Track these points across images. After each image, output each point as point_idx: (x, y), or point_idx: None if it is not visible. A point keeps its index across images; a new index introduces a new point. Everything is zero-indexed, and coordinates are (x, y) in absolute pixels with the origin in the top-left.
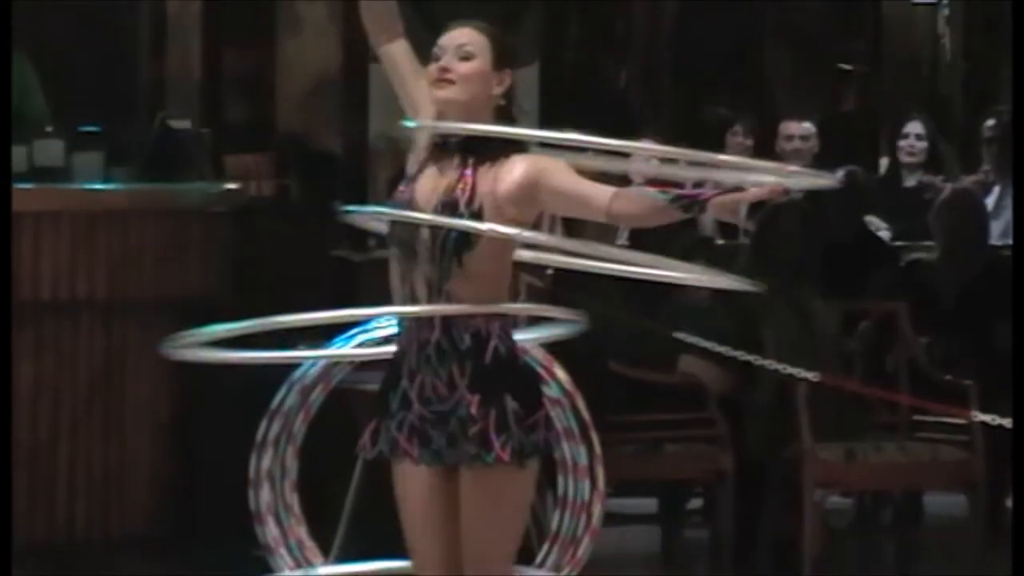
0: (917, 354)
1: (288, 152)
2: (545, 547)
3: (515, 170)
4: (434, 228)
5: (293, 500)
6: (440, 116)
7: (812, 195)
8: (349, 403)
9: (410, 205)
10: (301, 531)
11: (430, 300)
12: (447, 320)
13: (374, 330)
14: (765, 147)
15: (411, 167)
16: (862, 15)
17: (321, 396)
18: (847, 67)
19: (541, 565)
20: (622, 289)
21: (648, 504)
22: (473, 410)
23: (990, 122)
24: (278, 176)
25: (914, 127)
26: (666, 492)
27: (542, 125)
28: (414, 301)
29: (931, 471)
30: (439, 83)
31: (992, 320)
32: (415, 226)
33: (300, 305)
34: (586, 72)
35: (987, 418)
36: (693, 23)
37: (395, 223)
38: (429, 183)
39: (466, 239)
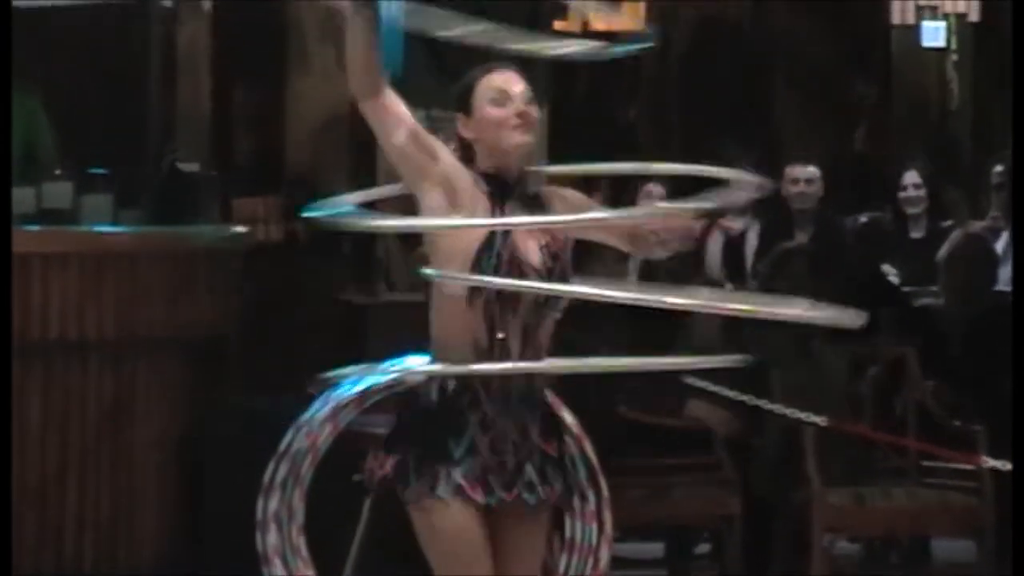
0: (926, 399)
1: (297, 195)
2: None
3: (572, 204)
4: (544, 272)
5: (300, 542)
6: (510, 159)
7: (828, 241)
8: (356, 446)
9: (515, 257)
10: (309, 573)
11: (524, 348)
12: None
13: (382, 374)
14: (771, 193)
15: (443, 201)
16: (872, 59)
17: (329, 439)
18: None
19: None
20: (629, 334)
21: (655, 549)
22: (550, 454)
23: (998, 167)
24: (287, 219)
25: (911, 177)
26: (673, 536)
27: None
28: (504, 350)
29: (940, 517)
30: (520, 128)
31: (1001, 366)
32: (522, 268)
33: (306, 347)
34: (595, 114)
35: (996, 464)
36: (701, 65)
37: (494, 264)
38: (515, 234)
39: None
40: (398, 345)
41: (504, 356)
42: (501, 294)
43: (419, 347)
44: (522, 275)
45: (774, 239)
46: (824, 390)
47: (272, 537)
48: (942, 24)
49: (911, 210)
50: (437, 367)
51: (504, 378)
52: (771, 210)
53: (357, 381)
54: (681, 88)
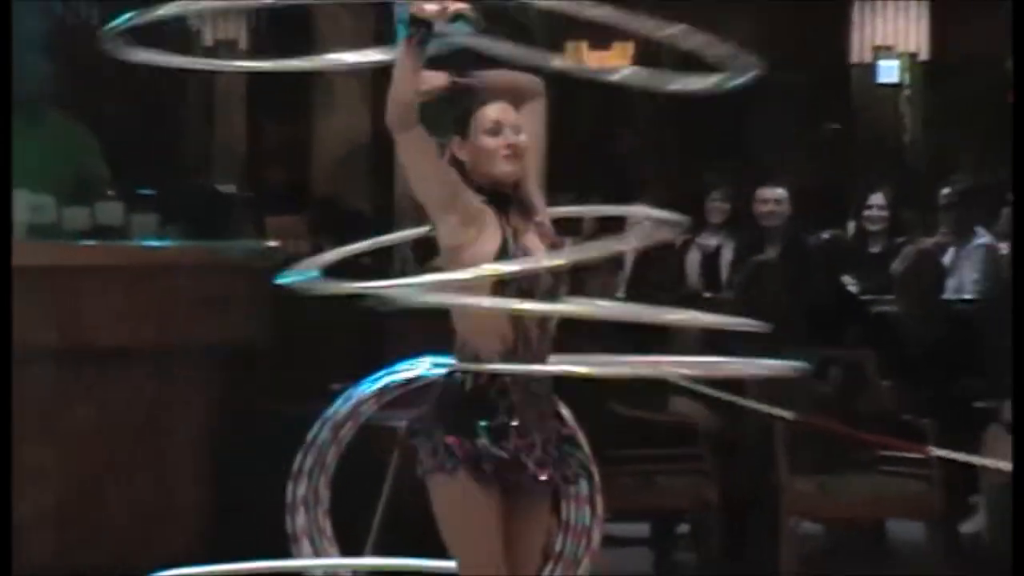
0: (882, 397)
1: (322, 213)
2: (550, 566)
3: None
4: (558, 277)
5: (326, 524)
6: (500, 184)
7: (795, 256)
8: (375, 439)
9: (527, 257)
10: (333, 552)
11: (540, 340)
12: (546, 360)
13: (399, 372)
14: (743, 211)
15: (460, 225)
16: (835, 96)
17: (351, 432)
18: (831, 127)
19: None
20: (619, 337)
21: (641, 529)
22: (567, 434)
23: (946, 190)
24: (313, 235)
25: (876, 199)
26: (657, 519)
27: (550, 191)
28: (527, 341)
29: (894, 501)
30: (509, 158)
31: (948, 366)
32: (536, 275)
33: (331, 350)
34: (588, 144)
35: (944, 454)
36: (683, 100)
37: (511, 277)
38: (522, 237)
39: (563, 283)
40: (413, 347)
41: (527, 348)
42: (522, 292)
43: (431, 348)
44: (535, 278)
45: (747, 253)
46: (792, 389)
47: (300, 519)
48: (895, 63)
49: (872, 228)
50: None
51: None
52: (744, 227)
53: (376, 379)
54: (666, 120)
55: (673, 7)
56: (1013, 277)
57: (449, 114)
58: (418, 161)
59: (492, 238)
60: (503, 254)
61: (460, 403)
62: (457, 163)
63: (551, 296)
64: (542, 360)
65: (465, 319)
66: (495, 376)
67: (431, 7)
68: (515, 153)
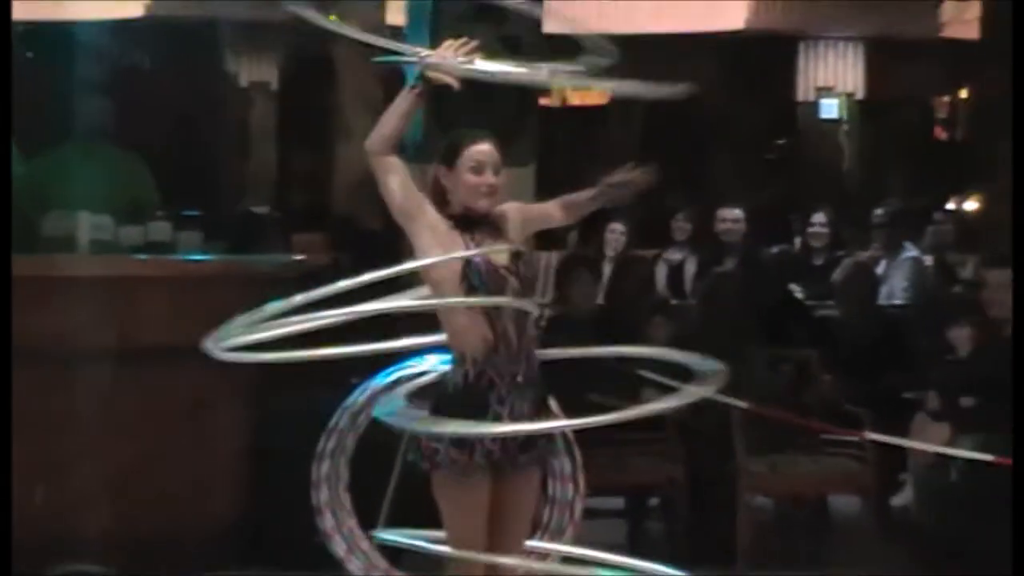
0: (824, 388)
1: (341, 231)
2: (538, 536)
3: (520, 214)
4: (519, 275)
5: (345, 499)
6: (475, 213)
7: (750, 267)
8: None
9: (489, 266)
10: (352, 522)
11: (519, 338)
12: (530, 356)
13: (409, 367)
14: (705, 229)
15: (431, 241)
16: (784, 129)
17: (367, 419)
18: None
19: (534, 550)
20: (599, 334)
21: (616, 503)
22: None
23: (879, 211)
24: (333, 250)
25: (819, 218)
26: (631, 494)
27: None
28: (506, 340)
29: (834, 478)
30: (486, 196)
31: (881, 362)
32: (505, 281)
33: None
34: (572, 170)
35: (877, 438)
36: (656, 133)
37: (479, 283)
38: (486, 249)
39: (531, 283)
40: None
41: (507, 345)
42: (492, 296)
43: (438, 346)
44: (501, 278)
45: (708, 266)
46: (748, 382)
47: (324, 494)
48: (836, 101)
49: (815, 243)
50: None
51: (512, 364)
52: (705, 243)
53: (389, 373)
54: (640, 149)
55: (646, 52)
56: (1014, 278)
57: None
58: (388, 181)
59: (487, 254)
60: (468, 266)
61: (454, 401)
62: (439, 187)
63: (524, 293)
64: (527, 355)
65: (449, 324)
66: (481, 374)
67: (445, 78)
68: (491, 191)
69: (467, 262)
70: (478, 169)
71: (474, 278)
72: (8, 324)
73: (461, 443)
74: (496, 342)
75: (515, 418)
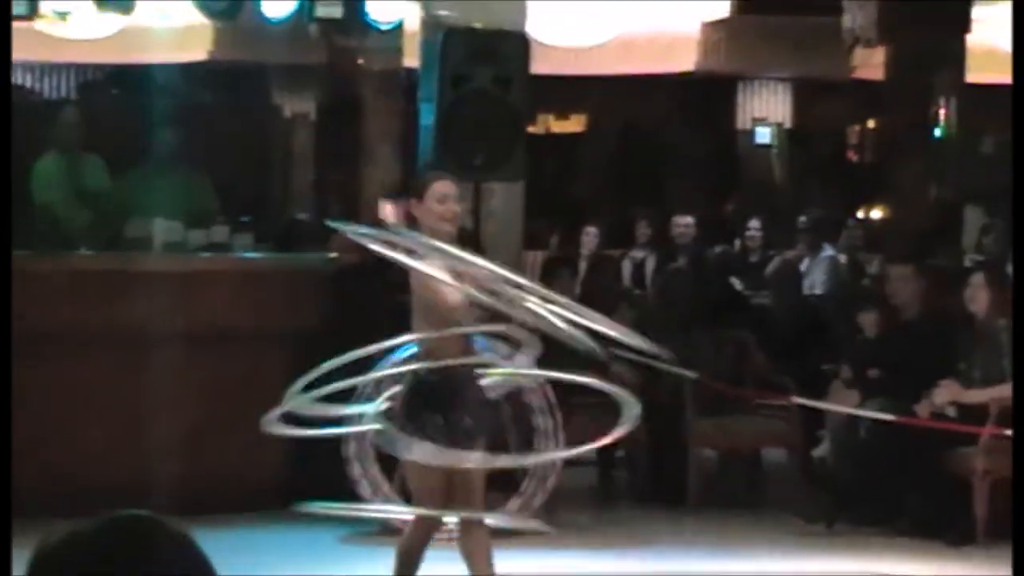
0: (758, 363)
1: None
2: (526, 481)
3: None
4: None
5: (370, 451)
6: (440, 236)
7: (697, 263)
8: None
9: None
10: (375, 470)
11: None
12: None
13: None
14: (663, 233)
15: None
16: (726, 152)
17: (386, 386)
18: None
19: (522, 493)
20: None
21: (590, 455)
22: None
23: (802, 218)
24: (360, 250)
25: (754, 223)
26: (602, 448)
27: (527, 222)
28: (471, 347)
29: (767, 435)
30: (448, 223)
31: (804, 340)
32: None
33: (374, 335)
34: (554, 186)
35: (801, 401)
36: (621, 154)
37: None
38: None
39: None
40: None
41: (471, 350)
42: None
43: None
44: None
45: (664, 262)
46: (697, 358)
47: (352, 448)
48: (768, 129)
49: (751, 244)
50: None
51: (471, 369)
52: (662, 245)
53: (405, 348)
54: (608, 168)
55: (616, 89)
56: (1014, 279)
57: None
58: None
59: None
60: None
61: (427, 392)
62: (411, 216)
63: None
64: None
65: (428, 330)
66: (449, 375)
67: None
68: (452, 218)
69: (453, 273)
70: (442, 200)
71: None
72: (8, 324)
73: (415, 427)
74: (467, 348)
75: (470, 407)
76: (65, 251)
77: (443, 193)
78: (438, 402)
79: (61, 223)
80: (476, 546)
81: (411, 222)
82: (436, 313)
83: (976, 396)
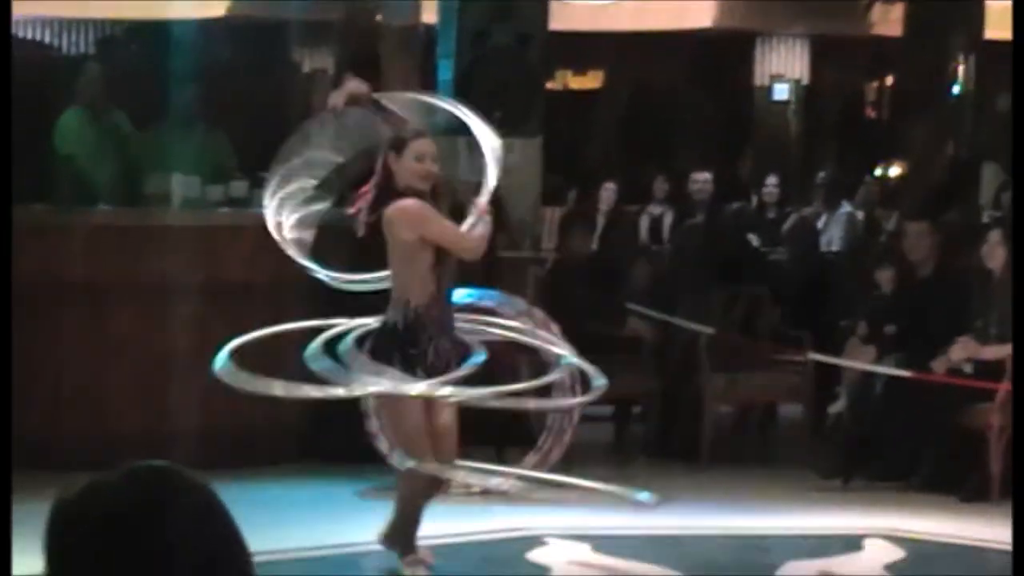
0: (774, 318)
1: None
2: (544, 436)
3: (442, 199)
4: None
5: None
6: (414, 192)
7: (714, 219)
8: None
9: None
10: None
11: (448, 293)
12: (450, 306)
13: None
14: (680, 189)
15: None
16: (744, 109)
17: None
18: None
19: (539, 449)
20: (594, 274)
21: (606, 410)
22: (463, 354)
23: (821, 176)
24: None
25: (771, 180)
26: (618, 403)
27: (545, 179)
28: (440, 293)
29: (782, 391)
30: (423, 180)
31: (820, 297)
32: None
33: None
34: (572, 143)
35: (817, 357)
36: (639, 112)
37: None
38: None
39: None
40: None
41: (441, 297)
42: (442, 262)
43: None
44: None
45: (681, 219)
46: (712, 313)
47: (371, 402)
48: (786, 86)
49: (768, 200)
50: None
51: (441, 312)
52: (680, 200)
53: None
54: (625, 125)
55: (631, 47)
56: (1013, 277)
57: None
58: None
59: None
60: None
61: (396, 338)
62: (388, 169)
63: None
64: (449, 306)
65: (401, 277)
66: (419, 317)
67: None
68: (428, 176)
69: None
70: (420, 158)
71: (441, 251)
72: (8, 323)
73: (405, 370)
74: (436, 294)
75: (439, 353)
76: (86, 206)
77: (421, 152)
78: (403, 340)
79: (83, 177)
80: (406, 508)
81: (387, 175)
82: (405, 253)
83: (992, 352)
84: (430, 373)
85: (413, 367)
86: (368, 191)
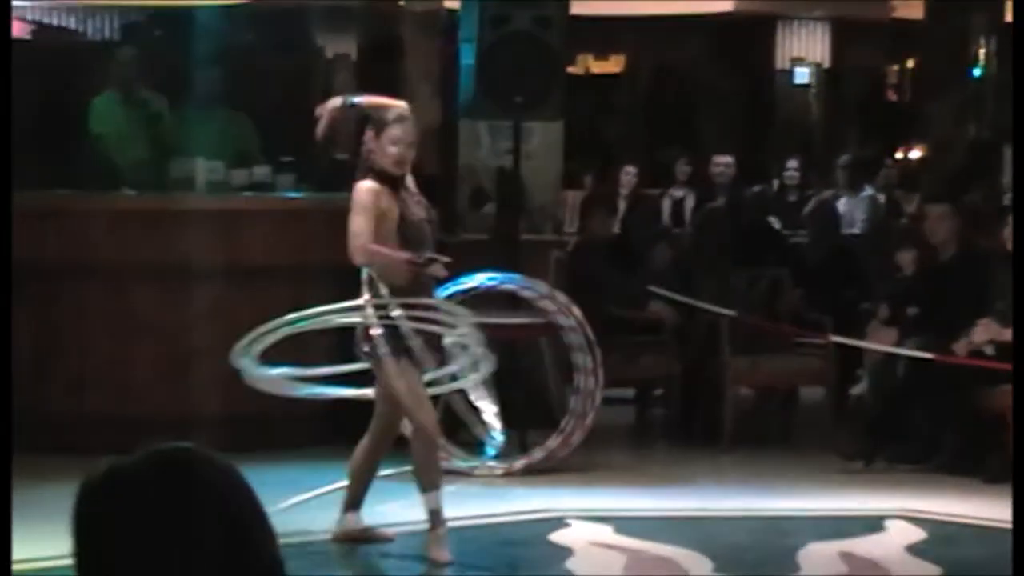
0: (795, 301)
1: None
2: (566, 418)
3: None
4: (428, 228)
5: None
6: (389, 174)
7: (734, 201)
8: None
9: (416, 217)
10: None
11: (425, 277)
12: (430, 284)
13: (462, 284)
14: (702, 172)
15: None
16: (765, 92)
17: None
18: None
19: (562, 431)
20: (615, 255)
21: (628, 392)
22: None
23: (843, 158)
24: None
25: (793, 163)
26: (639, 385)
27: (566, 162)
28: (420, 276)
29: (803, 372)
30: (399, 165)
31: (841, 279)
32: (422, 226)
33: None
34: (595, 126)
35: (838, 340)
36: (660, 95)
37: (411, 228)
38: (410, 206)
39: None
40: (468, 266)
41: (420, 277)
42: (415, 243)
43: (478, 267)
44: (422, 231)
45: (703, 201)
46: (734, 295)
47: None
48: (807, 69)
49: (790, 183)
50: None
51: (421, 290)
52: (702, 183)
53: (448, 287)
54: (647, 109)
55: (653, 31)
56: (1013, 275)
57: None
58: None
59: (394, 209)
60: (403, 219)
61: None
62: (367, 148)
63: (432, 241)
64: (429, 284)
65: (378, 266)
66: (396, 298)
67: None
68: (404, 160)
69: (401, 216)
70: (396, 142)
71: (406, 226)
72: (8, 322)
73: (397, 341)
74: (415, 276)
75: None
76: (112, 189)
77: (398, 136)
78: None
79: (113, 157)
80: (424, 455)
81: (367, 154)
82: (380, 238)
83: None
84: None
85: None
86: (328, 107)
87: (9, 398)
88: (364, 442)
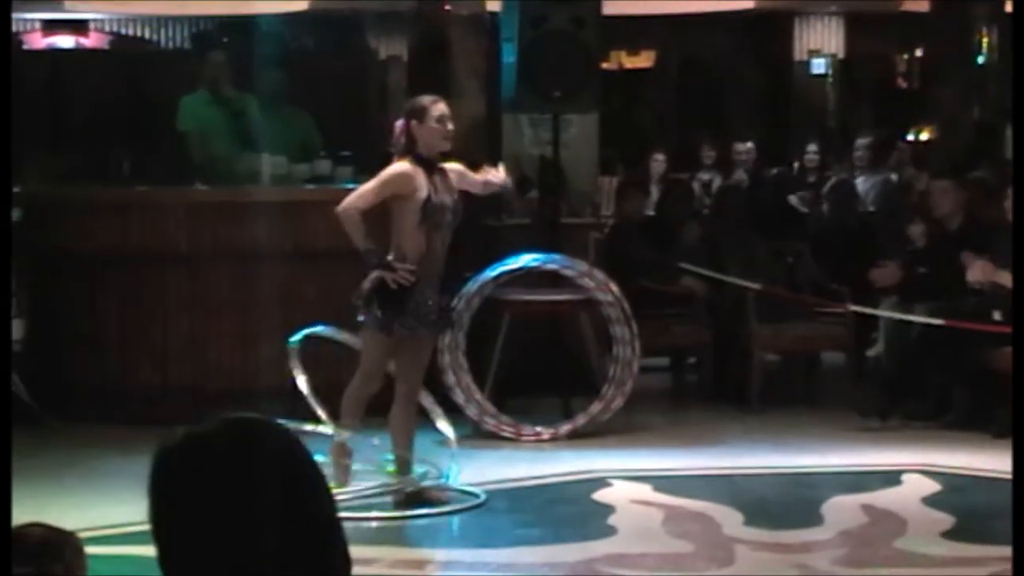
0: (816, 273)
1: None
2: (606, 386)
3: (454, 171)
4: (452, 211)
5: (463, 361)
6: (435, 152)
7: (756, 181)
8: (493, 307)
9: (441, 203)
10: (468, 379)
11: (440, 252)
12: (441, 263)
13: (508, 264)
14: (726, 157)
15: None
16: (785, 82)
17: (478, 302)
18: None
19: (603, 398)
20: (648, 235)
21: (663, 361)
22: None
23: (861, 141)
24: None
25: (812, 147)
26: (674, 354)
27: (602, 150)
28: (433, 251)
29: (824, 339)
30: (445, 140)
31: (859, 252)
32: (444, 210)
33: (462, 253)
34: (626, 117)
35: (856, 308)
36: (688, 87)
37: (433, 209)
38: (440, 190)
39: (456, 219)
40: (516, 248)
41: (433, 254)
42: (436, 223)
43: (528, 249)
44: (444, 214)
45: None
46: (758, 269)
47: (447, 359)
48: (823, 59)
49: (809, 166)
50: None
51: (432, 267)
52: (726, 166)
53: (493, 268)
54: (675, 100)
55: (680, 28)
56: (1013, 274)
57: None
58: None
59: (423, 190)
60: (429, 202)
61: (389, 289)
62: (411, 136)
63: (452, 224)
64: (440, 263)
65: (398, 235)
66: (412, 271)
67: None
68: (448, 137)
69: (428, 198)
70: (441, 120)
71: (430, 209)
72: (8, 322)
73: (392, 315)
74: (427, 252)
75: (427, 299)
76: (188, 184)
77: (442, 113)
78: (400, 290)
79: (193, 155)
80: (401, 421)
81: (410, 142)
82: (402, 213)
83: (1007, 278)
84: (422, 320)
85: (417, 314)
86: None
87: (9, 397)
88: (394, 408)
